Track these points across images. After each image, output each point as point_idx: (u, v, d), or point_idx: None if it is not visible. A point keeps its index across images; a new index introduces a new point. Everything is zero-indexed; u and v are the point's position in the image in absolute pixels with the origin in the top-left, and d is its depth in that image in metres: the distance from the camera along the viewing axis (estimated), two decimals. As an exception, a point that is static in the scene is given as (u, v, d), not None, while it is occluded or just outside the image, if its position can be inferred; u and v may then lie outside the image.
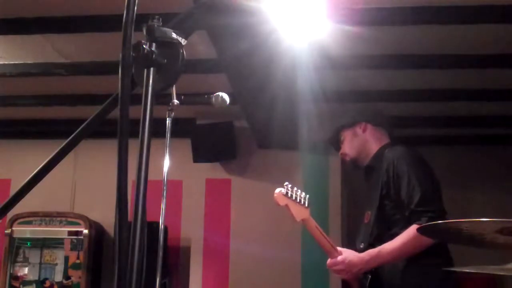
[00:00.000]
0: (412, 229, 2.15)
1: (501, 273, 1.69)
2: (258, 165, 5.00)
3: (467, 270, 1.91)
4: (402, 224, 2.24)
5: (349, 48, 3.40)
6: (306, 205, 2.15)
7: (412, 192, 2.21)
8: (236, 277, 4.80)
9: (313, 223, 2.17)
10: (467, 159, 5.26)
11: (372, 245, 2.29)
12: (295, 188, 2.16)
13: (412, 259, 2.24)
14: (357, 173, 2.79)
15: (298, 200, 2.13)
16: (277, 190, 2.13)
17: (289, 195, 2.11)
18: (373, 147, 2.54)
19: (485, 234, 1.58)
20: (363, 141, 2.56)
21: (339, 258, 2.21)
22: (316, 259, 4.76)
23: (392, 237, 2.23)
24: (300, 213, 2.13)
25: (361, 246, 2.33)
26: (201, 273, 4.86)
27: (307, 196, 2.16)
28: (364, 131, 2.57)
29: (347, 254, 2.23)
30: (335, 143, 2.69)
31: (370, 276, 2.26)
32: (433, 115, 4.78)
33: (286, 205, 2.12)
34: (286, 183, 2.17)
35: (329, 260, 2.24)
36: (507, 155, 5.19)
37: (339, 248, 2.27)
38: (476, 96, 4.25)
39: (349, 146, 2.58)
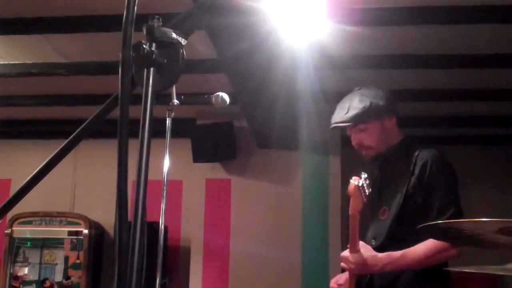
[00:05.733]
0: (440, 244, 2.07)
1: (501, 273, 1.69)
2: (258, 165, 5.00)
3: (467, 270, 1.91)
4: (416, 230, 2.20)
5: (349, 48, 3.40)
6: (365, 199, 2.08)
7: (447, 204, 2.13)
8: (236, 277, 4.80)
9: (357, 219, 2.08)
10: (467, 159, 5.26)
11: (386, 245, 2.17)
12: (367, 182, 2.08)
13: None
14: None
15: (363, 195, 2.06)
16: (353, 180, 2.06)
17: (361, 188, 2.05)
18: (394, 139, 2.38)
19: (485, 234, 1.58)
20: (389, 135, 2.37)
21: (358, 258, 2.10)
22: (316, 259, 4.79)
23: (404, 241, 2.14)
24: (355, 206, 2.07)
25: (373, 243, 2.21)
26: (201, 273, 4.87)
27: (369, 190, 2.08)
28: (391, 124, 2.38)
29: (365, 255, 2.11)
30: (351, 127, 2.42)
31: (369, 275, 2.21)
32: (433, 115, 4.78)
33: (352, 195, 2.06)
34: (364, 174, 2.08)
35: (349, 255, 2.12)
36: (507, 155, 5.20)
37: (361, 243, 2.16)
38: (476, 96, 4.25)
39: (376, 140, 2.34)
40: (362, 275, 2.19)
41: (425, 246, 2.09)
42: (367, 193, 2.06)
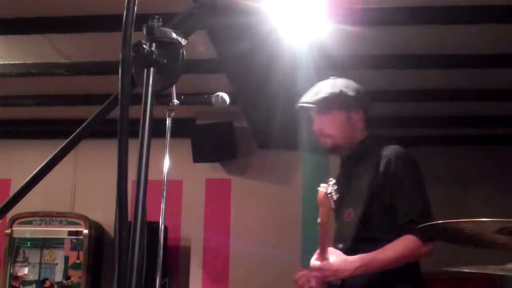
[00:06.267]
0: (411, 241, 2.02)
1: (501, 273, 1.69)
2: (258, 165, 5.00)
3: (467, 270, 1.91)
4: (386, 230, 2.10)
5: (349, 48, 3.40)
6: (333, 206, 2.04)
7: (414, 202, 2.08)
8: (236, 277, 4.80)
9: (327, 227, 2.05)
10: (467, 159, 5.27)
11: (353, 248, 2.11)
12: (335, 187, 2.04)
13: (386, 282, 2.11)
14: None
15: (331, 202, 2.03)
16: (322, 188, 2.01)
17: (329, 195, 2.01)
18: (358, 135, 2.29)
19: (485, 234, 1.58)
20: (353, 129, 2.28)
21: (328, 265, 2.04)
22: (316, 259, 4.79)
23: (372, 242, 2.08)
24: (324, 215, 2.03)
25: (340, 247, 2.14)
26: (201, 273, 4.87)
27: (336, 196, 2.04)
28: (358, 119, 2.29)
29: (335, 261, 2.05)
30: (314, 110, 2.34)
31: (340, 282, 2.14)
32: (433, 115, 4.78)
33: (321, 204, 2.02)
34: (332, 181, 2.04)
35: (318, 264, 2.07)
36: (507, 155, 5.20)
37: (330, 249, 2.10)
38: (476, 96, 4.25)
39: (338, 129, 2.27)
40: (332, 281, 2.13)
41: (396, 246, 2.04)
42: (335, 199, 2.02)
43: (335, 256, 2.06)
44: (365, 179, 2.16)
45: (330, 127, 2.28)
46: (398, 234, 2.06)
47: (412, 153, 2.28)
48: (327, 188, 2.02)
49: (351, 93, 2.27)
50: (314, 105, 2.28)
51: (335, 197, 2.03)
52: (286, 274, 4.95)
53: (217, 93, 2.67)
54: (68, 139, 1.06)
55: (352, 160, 2.30)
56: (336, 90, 2.27)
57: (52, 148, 1.03)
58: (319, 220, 2.04)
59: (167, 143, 2.57)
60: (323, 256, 2.06)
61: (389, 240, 2.06)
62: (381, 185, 2.11)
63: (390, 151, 2.17)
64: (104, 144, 4.13)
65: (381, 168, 2.12)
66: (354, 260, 2.05)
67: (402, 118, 4.79)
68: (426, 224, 1.72)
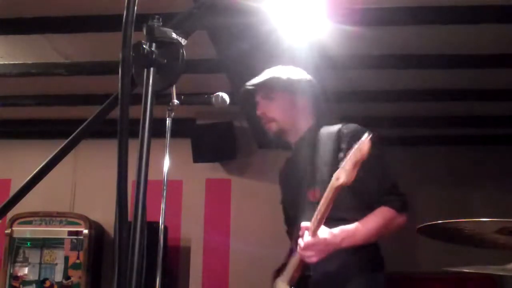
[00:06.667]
0: (387, 212, 2.02)
1: (501, 273, 1.69)
2: (258, 165, 5.00)
3: (467, 270, 1.91)
4: (355, 208, 2.05)
5: (349, 48, 3.40)
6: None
7: (382, 175, 2.07)
8: (236, 277, 4.80)
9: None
10: (467, 159, 5.27)
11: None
12: None
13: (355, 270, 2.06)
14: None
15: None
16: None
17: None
18: (305, 122, 2.25)
19: (485, 234, 1.58)
20: (298, 114, 2.24)
21: (320, 240, 1.94)
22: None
23: (341, 221, 2.02)
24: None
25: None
26: (201, 273, 4.87)
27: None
28: (304, 105, 2.24)
29: (324, 235, 1.96)
30: (254, 92, 2.30)
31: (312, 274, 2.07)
32: (433, 115, 4.78)
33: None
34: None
35: (311, 240, 1.95)
36: (507, 155, 5.20)
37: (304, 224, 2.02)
38: (476, 96, 4.25)
39: (281, 113, 2.22)
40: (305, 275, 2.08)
41: (374, 217, 2.03)
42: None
43: (324, 233, 1.98)
44: (328, 157, 2.11)
45: (273, 111, 2.26)
46: (368, 211, 2.04)
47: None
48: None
49: (294, 77, 2.25)
50: (256, 86, 2.27)
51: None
52: (286, 274, 4.93)
53: (217, 93, 2.67)
54: (68, 139, 1.06)
55: (305, 145, 2.23)
56: (280, 74, 2.26)
57: (52, 148, 1.03)
58: (324, 199, 1.92)
59: (167, 143, 2.57)
60: (314, 233, 1.97)
61: (358, 219, 2.03)
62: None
63: (349, 128, 2.14)
64: (104, 144, 4.13)
65: (343, 145, 2.08)
66: (339, 232, 1.99)
67: (402, 118, 4.78)
68: (426, 224, 1.72)
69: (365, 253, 2.09)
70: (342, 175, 1.86)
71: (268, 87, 2.26)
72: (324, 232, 1.98)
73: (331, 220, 2.01)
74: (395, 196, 2.08)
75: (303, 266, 2.07)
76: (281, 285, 2.20)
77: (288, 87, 2.24)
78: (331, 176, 1.99)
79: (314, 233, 1.97)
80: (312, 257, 1.98)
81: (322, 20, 2.93)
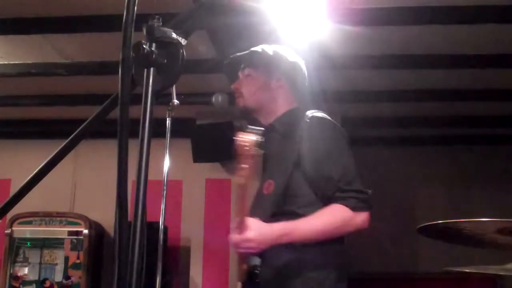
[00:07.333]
0: (340, 210, 1.84)
1: (501, 273, 1.69)
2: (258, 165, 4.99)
3: (467, 270, 1.91)
4: (309, 203, 1.90)
5: (349, 48, 3.40)
6: (256, 163, 1.77)
7: (339, 170, 1.89)
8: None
9: (249, 190, 1.79)
10: (467, 159, 5.27)
11: (272, 222, 1.89)
12: (259, 139, 1.75)
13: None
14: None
15: (253, 156, 1.74)
16: (243, 137, 1.69)
17: (251, 148, 1.70)
18: (280, 108, 2.11)
19: (485, 234, 1.58)
20: (271, 98, 2.11)
21: (250, 235, 1.81)
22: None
23: (293, 216, 1.90)
24: (245, 175, 1.73)
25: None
26: (201, 273, 4.87)
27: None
28: (278, 87, 2.12)
29: (256, 231, 1.83)
30: (237, 66, 2.19)
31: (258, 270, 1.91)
32: (433, 115, 4.79)
33: (240, 159, 1.71)
34: (254, 129, 1.72)
35: (240, 236, 1.82)
36: (507, 155, 5.20)
37: (248, 220, 1.87)
38: (476, 96, 4.25)
39: (251, 91, 2.12)
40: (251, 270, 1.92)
41: (322, 215, 1.87)
42: (258, 155, 1.76)
43: (256, 225, 1.84)
44: (287, 150, 1.99)
45: (245, 87, 2.15)
46: (322, 207, 1.89)
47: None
48: (249, 137, 1.68)
49: (276, 57, 2.14)
50: (237, 60, 2.19)
51: (257, 151, 1.71)
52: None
53: (217, 93, 2.67)
54: (68, 139, 1.06)
55: (274, 131, 2.12)
56: (262, 52, 2.15)
57: (52, 148, 1.03)
58: (237, 180, 1.74)
59: (167, 143, 2.57)
60: (243, 227, 1.81)
61: (311, 214, 1.88)
62: (301, 154, 1.94)
63: (309, 118, 2.01)
64: (104, 144, 4.12)
65: (300, 135, 1.96)
66: (277, 228, 1.86)
67: (402, 118, 4.79)
68: (426, 224, 1.72)
69: (316, 251, 1.91)
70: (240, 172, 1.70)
71: (247, 62, 2.16)
72: (257, 227, 1.84)
73: (282, 214, 1.92)
74: (352, 192, 1.87)
75: (243, 258, 1.93)
76: (237, 282, 2.10)
77: (266, 65, 2.13)
78: (287, 169, 1.93)
79: (241, 228, 1.82)
80: (246, 250, 1.86)
81: (322, 20, 2.93)
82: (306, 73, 2.20)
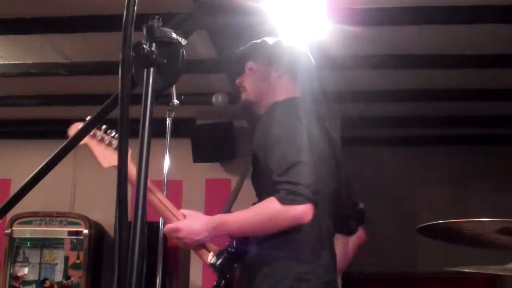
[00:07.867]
0: (268, 202, 1.76)
1: (501, 273, 1.69)
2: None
3: (467, 270, 1.91)
4: (266, 195, 1.82)
5: (349, 48, 3.40)
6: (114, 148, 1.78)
7: (280, 159, 1.77)
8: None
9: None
10: (467, 159, 5.27)
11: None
12: (111, 131, 1.79)
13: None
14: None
15: (107, 143, 1.81)
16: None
17: (98, 137, 1.74)
18: (278, 99, 2.01)
19: (485, 234, 1.58)
20: (271, 89, 2.05)
21: (180, 224, 1.85)
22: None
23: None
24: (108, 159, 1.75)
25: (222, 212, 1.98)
26: (201, 273, 4.86)
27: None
28: (278, 78, 2.05)
29: (190, 220, 1.85)
30: (239, 62, 2.18)
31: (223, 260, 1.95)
32: (433, 115, 4.79)
33: (87, 145, 1.76)
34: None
35: (167, 226, 1.86)
36: (507, 155, 5.20)
37: (185, 211, 1.90)
38: (476, 96, 4.25)
39: (252, 83, 2.08)
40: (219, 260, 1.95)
41: (256, 207, 1.84)
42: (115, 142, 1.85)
43: (191, 218, 1.87)
44: (264, 141, 1.90)
45: (247, 80, 2.11)
46: None
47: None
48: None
49: (277, 48, 2.11)
50: (238, 55, 2.17)
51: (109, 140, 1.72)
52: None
53: (217, 93, 2.67)
54: (68, 139, 1.06)
55: (262, 121, 2.04)
56: (263, 43, 2.13)
57: (52, 148, 1.03)
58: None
59: (167, 143, 2.58)
60: (175, 217, 1.87)
61: None
62: (257, 144, 1.90)
63: (271, 109, 1.96)
64: (104, 144, 4.11)
65: (261, 127, 1.92)
66: (211, 219, 1.87)
67: (402, 118, 4.79)
68: (426, 224, 1.72)
69: (274, 243, 1.84)
70: None
71: (249, 56, 2.14)
72: (192, 218, 1.87)
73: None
74: (284, 184, 1.74)
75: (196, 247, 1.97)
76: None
77: (265, 56, 2.09)
78: (251, 163, 1.90)
79: (174, 219, 1.87)
80: (177, 240, 1.89)
81: (322, 20, 2.93)
82: (311, 64, 2.17)
